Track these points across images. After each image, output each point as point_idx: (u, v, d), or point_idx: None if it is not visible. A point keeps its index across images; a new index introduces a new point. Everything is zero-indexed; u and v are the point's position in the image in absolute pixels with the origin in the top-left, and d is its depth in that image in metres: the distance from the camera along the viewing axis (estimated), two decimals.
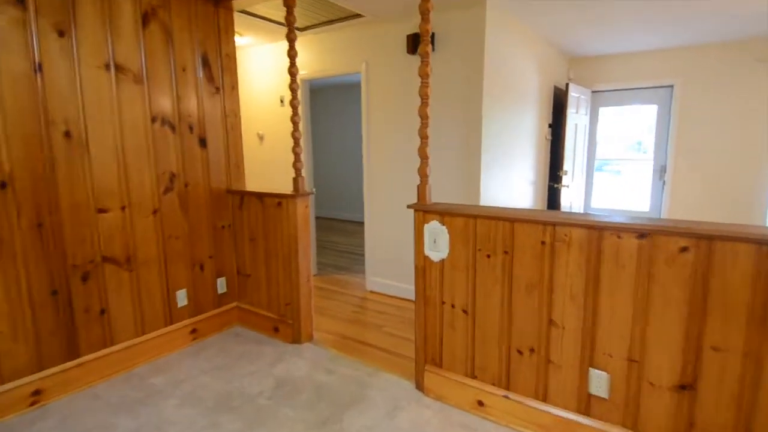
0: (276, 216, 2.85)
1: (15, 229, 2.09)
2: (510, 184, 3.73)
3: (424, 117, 2.11)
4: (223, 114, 3.02)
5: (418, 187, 2.17)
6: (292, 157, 2.77)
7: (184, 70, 2.76)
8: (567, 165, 4.64)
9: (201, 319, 2.96)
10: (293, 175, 2.80)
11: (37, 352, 2.22)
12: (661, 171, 4.93)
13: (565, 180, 4.64)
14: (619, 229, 1.66)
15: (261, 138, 4.57)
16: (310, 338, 2.93)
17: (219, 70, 2.97)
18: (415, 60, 3.34)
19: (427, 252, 2.16)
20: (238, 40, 4.08)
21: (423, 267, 2.20)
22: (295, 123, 2.71)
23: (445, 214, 2.08)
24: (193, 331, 2.92)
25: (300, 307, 2.83)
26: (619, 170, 5.52)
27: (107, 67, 2.40)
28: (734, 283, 1.48)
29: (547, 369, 1.92)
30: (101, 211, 2.42)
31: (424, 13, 2.01)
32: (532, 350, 1.94)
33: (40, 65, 2.13)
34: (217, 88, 2.97)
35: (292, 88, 2.64)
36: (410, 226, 3.57)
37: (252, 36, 4.05)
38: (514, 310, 1.96)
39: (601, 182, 5.46)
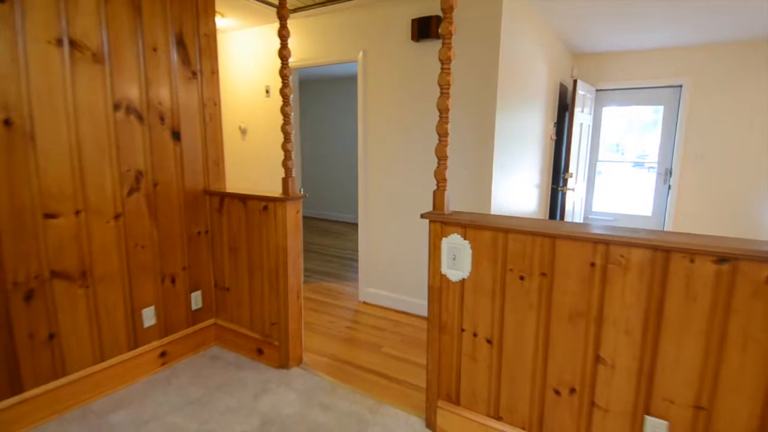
0: (261, 222, 2.47)
1: None
2: (518, 188, 3.43)
3: (443, 110, 1.77)
4: (201, 103, 2.61)
5: (434, 193, 1.83)
6: (278, 154, 2.40)
7: (154, 50, 2.35)
8: (571, 167, 4.38)
9: (172, 341, 2.56)
10: (282, 174, 2.42)
11: None
12: (665, 174, 4.73)
13: (570, 183, 4.38)
14: (692, 252, 1.35)
15: (243, 132, 4.16)
16: (299, 362, 2.56)
17: (196, 51, 2.56)
18: (421, 48, 3.00)
19: (445, 270, 1.83)
20: (219, 21, 3.65)
21: (439, 288, 1.87)
22: (286, 115, 2.33)
23: (468, 226, 1.75)
24: (163, 354, 2.51)
25: (288, 327, 2.46)
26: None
27: (60, 42, 1.98)
28: None
29: (590, 413, 1.61)
30: (50, 216, 1.99)
31: None
32: (572, 390, 1.63)
33: None
34: (194, 73, 2.56)
35: (284, 74, 2.26)
36: (412, 234, 3.23)
37: (234, 17, 3.63)
38: (551, 343, 1.64)
39: (600, 185, 5.23)
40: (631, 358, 1.50)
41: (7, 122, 1.84)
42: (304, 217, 7.58)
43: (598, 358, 1.56)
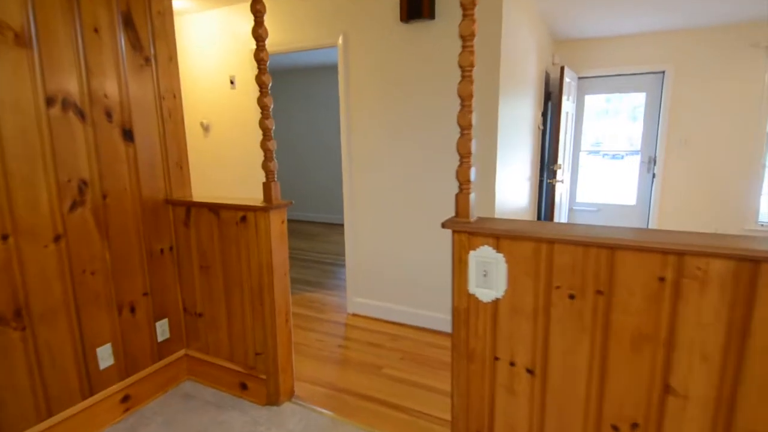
0: (239, 235, 2.09)
1: None
2: (513, 182, 3.20)
3: (466, 97, 1.47)
4: (157, 95, 2.18)
5: (457, 198, 1.53)
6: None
7: (96, 31, 1.91)
8: (559, 158, 4.21)
9: (135, 381, 2.14)
10: (258, 176, 2.06)
11: None
12: (649, 162, 4.66)
13: (558, 175, 4.21)
14: None
15: (205, 129, 3.70)
16: (291, 395, 2.21)
17: (149, 33, 2.12)
18: (411, 31, 2.68)
19: (473, 289, 1.54)
20: (175, 1, 3.18)
21: (466, 309, 1.57)
22: (264, 107, 1.95)
23: (502, 236, 1.46)
24: (126, 398, 2.10)
25: (277, 356, 2.11)
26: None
27: None
28: None
29: None
30: None
31: None
32: (634, 426, 1.39)
33: None
34: (147, 59, 2.12)
35: (260, 57, 1.88)
36: (405, 236, 2.93)
37: None
38: (609, 371, 1.39)
39: (582, 175, 5.12)
40: (709, 387, 1.27)
41: None
42: None
43: (667, 388, 1.32)
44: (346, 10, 2.87)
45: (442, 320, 2.89)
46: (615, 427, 1.41)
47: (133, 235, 2.11)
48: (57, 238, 1.81)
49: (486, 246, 1.49)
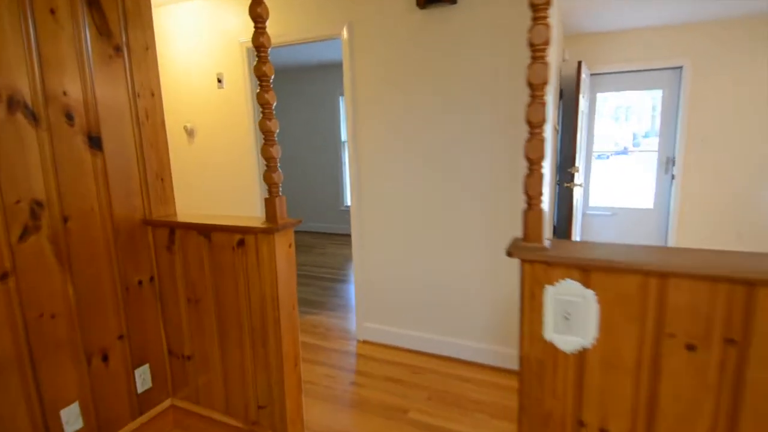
0: (236, 263, 1.70)
1: None
2: None
3: (538, 86, 1.12)
4: (131, 92, 1.79)
5: (526, 216, 1.18)
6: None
7: (52, 12, 1.52)
8: (576, 159, 3.91)
9: None
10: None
11: None
12: (667, 163, 4.40)
13: (576, 178, 3.91)
14: None
15: (190, 134, 3.30)
16: None
17: (120, 16, 1.74)
18: (430, 17, 2.33)
19: (551, 336, 1.19)
20: None
21: (540, 361, 1.22)
22: (266, 105, 1.58)
23: (594, 267, 1.11)
24: None
25: (285, 410, 1.72)
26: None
27: None
28: None
29: None
30: None
31: None
32: None
33: None
34: (118, 48, 1.73)
35: (260, 42, 1.51)
36: (424, 249, 2.57)
37: None
38: None
39: (595, 177, 4.85)
40: None
41: None
42: None
43: None
44: None
45: (472, 349, 2.53)
46: None
47: (103, 265, 1.71)
48: (3, 276, 1.41)
49: (569, 280, 1.14)
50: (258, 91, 1.57)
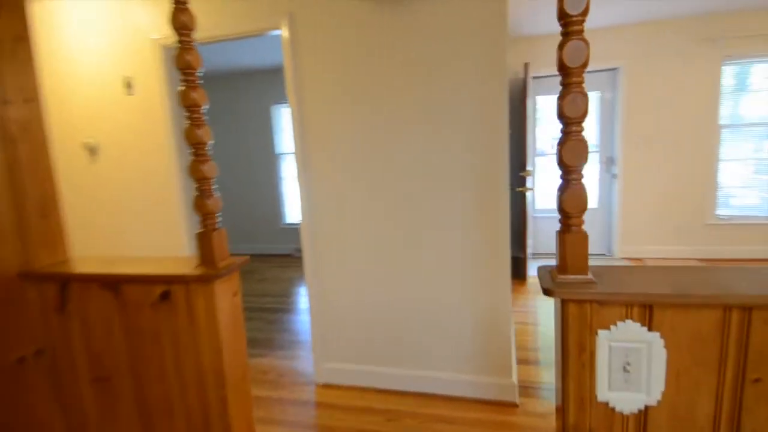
0: (159, 325, 1.25)
1: None
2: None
3: (576, 71, 0.86)
4: None
5: (563, 240, 0.90)
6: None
7: None
8: (527, 163, 3.82)
9: None
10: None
11: None
12: (608, 163, 4.48)
13: (528, 182, 3.82)
14: None
15: (92, 151, 2.70)
16: None
17: None
18: (389, 6, 2.03)
19: (606, 395, 0.91)
20: None
21: (587, 428, 0.93)
22: (193, 106, 1.16)
23: (658, 304, 0.85)
24: None
25: None
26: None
27: None
28: None
29: None
30: None
31: None
32: None
33: None
34: None
35: (181, 22, 1.10)
36: (390, 271, 2.24)
37: None
38: None
39: (538, 180, 4.84)
40: None
41: None
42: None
43: None
44: None
45: (452, 382, 2.23)
46: None
47: None
48: None
49: (629, 321, 0.87)
50: (182, 89, 1.15)
